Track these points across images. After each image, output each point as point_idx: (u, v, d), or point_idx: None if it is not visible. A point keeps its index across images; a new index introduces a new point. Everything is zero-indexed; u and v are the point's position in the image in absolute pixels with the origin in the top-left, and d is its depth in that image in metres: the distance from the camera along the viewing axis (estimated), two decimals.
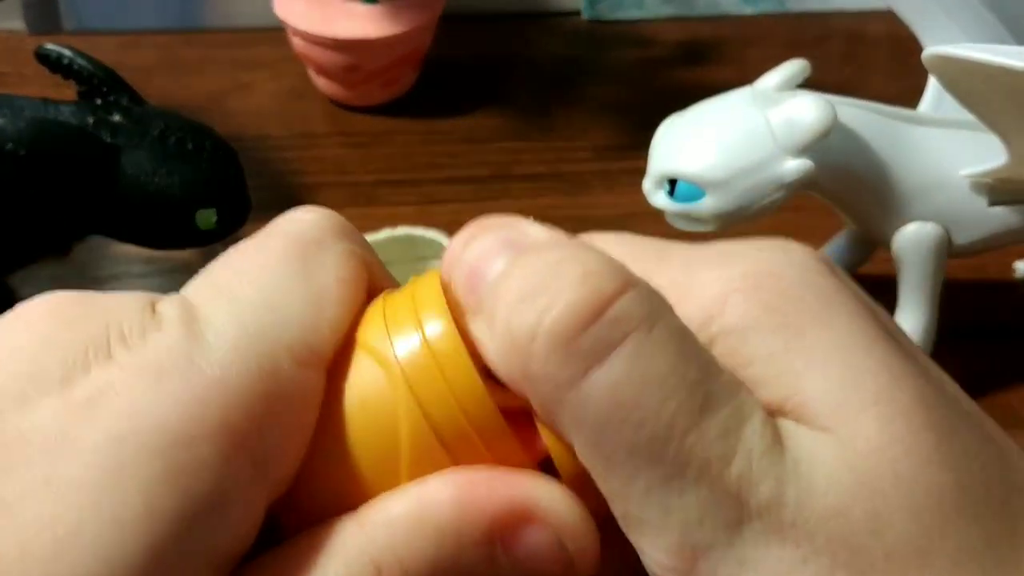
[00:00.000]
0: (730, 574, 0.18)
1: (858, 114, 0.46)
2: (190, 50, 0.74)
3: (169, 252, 0.55)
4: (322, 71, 0.67)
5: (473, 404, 0.19)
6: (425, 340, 0.20)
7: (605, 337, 0.19)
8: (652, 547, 0.19)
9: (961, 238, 0.48)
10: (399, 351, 0.20)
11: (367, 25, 0.65)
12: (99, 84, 0.51)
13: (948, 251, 0.48)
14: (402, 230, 0.51)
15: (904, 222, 0.48)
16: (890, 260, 0.49)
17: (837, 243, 0.55)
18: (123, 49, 0.72)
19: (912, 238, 0.48)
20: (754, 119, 0.45)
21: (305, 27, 0.65)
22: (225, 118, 0.66)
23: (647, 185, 0.47)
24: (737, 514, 0.18)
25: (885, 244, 0.49)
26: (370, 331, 0.21)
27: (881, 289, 0.51)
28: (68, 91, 0.52)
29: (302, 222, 0.23)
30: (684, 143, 0.46)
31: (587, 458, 0.19)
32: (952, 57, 0.39)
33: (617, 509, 0.19)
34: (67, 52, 0.51)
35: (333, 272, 0.22)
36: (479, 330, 0.20)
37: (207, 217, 0.50)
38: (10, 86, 0.67)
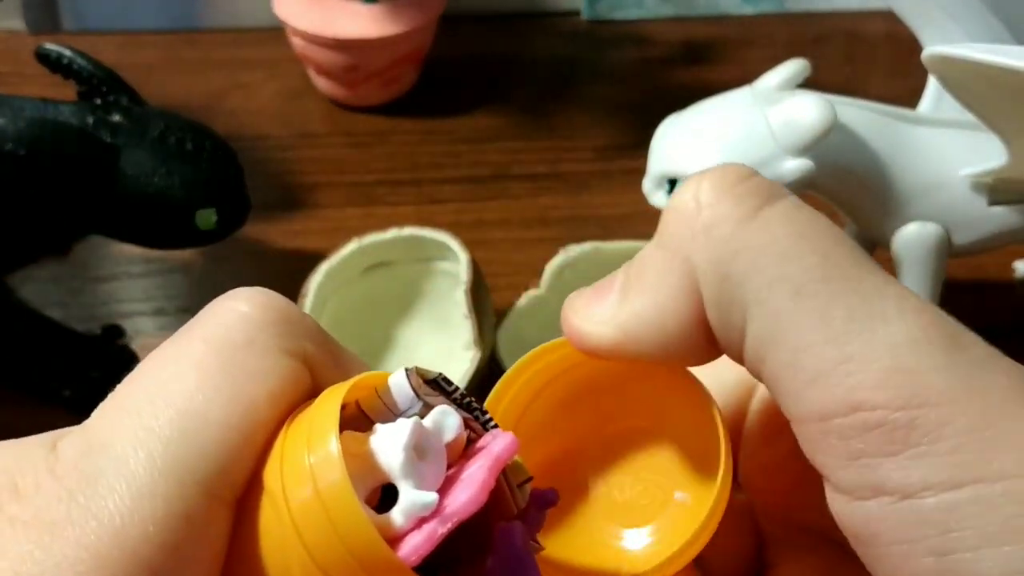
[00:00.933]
0: (963, 387, 0.18)
1: (858, 114, 0.46)
2: (190, 50, 0.74)
3: (169, 252, 0.55)
4: (322, 71, 0.67)
5: (361, 544, 0.18)
6: (313, 480, 0.19)
7: (764, 187, 0.20)
8: (857, 386, 0.18)
9: (961, 238, 0.48)
10: (288, 492, 0.19)
11: (367, 25, 0.65)
12: (99, 84, 0.51)
13: (948, 251, 0.48)
14: (408, 231, 0.51)
15: (904, 222, 0.48)
16: (890, 260, 0.49)
17: None
18: (123, 49, 0.72)
19: (912, 238, 0.48)
20: (754, 119, 0.45)
21: (305, 27, 0.65)
22: (225, 118, 0.66)
23: (647, 185, 0.47)
24: (951, 339, 0.18)
25: (885, 244, 0.49)
26: (269, 465, 0.20)
27: None
28: (68, 91, 0.52)
29: (231, 316, 0.20)
30: (684, 143, 0.46)
31: (772, 301, 0.19)
32: (952, 57, 0.39)
33: (809, 359, 0.18)
34: (67, 52, 0.51)
35: (262, 386, 0.20)
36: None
37: (207, 217, 0.50)
38: (10, 86, 0.67)
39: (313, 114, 0.69)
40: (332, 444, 0.19)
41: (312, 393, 0.21)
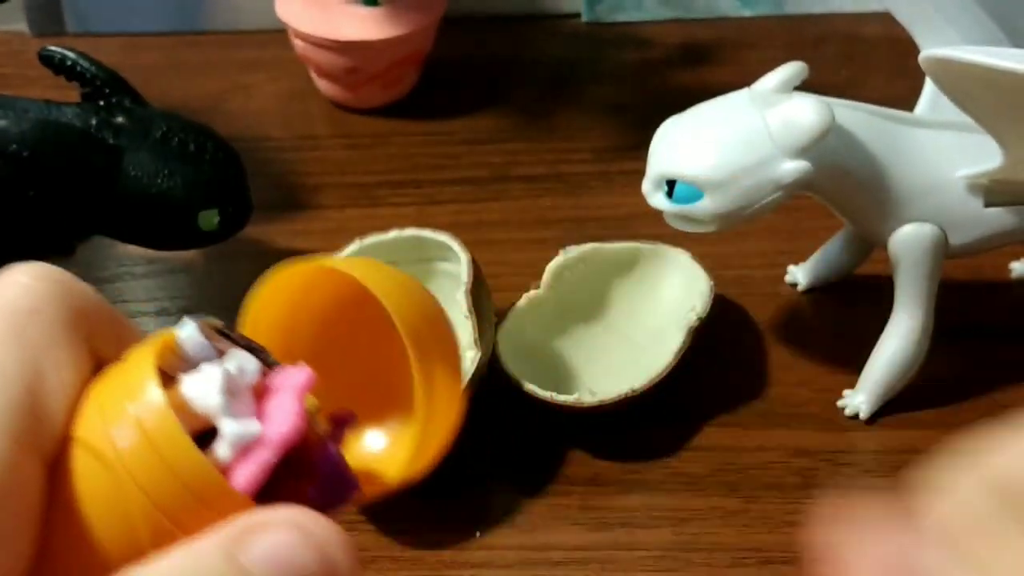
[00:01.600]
0: None
1: (855, 116, 0.47)
2: (192, 52, 0.74)
3: (172, 252, 0.56)
4: (323, 73, 0.68)
5: (197, 478, 0.20)
6: (140, 425, 0.20)
7: None
8: None
9: (958, 239, 0.48)
10: (116, 442, 0.20)
11: (368, 27, 0.65)
12: (102, 86, 0.51)
13: (945, 252, 0.48)
14: (410, 231, 0.51)
15: (901, 223, 0.48)
16: (888, 260, 0.50)
17: (835, 243, 0.56)
18: (126, 51, 0.73)
19: (909, 239, 0.48)
20: (752, 120, 0.45)
21: (306, 29, 0.65)
22: (227, 119, 0.67)
23: (646, 186, 0.47)
24: None
25: (882, 244, 0.49)
26: (88, 423, 0.20)
27: (880, 289, 0.52)
28: (71, 93, 0.52)
29: (14, 288, 0.21)
30: (682, 144, 0.46)
31: None
32: (948, 59, 0.39)
33: None
34: (70, 54, 0.52)
35: (52, 351, 0.21)
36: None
37: (209, 218, 0.50)
38: (13, 88, 0.67)
39: (314, 116, 0.69)
40: (153, 389, 0.20)
41: (95, 359, 0.22)
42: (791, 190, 0.45)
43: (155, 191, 0.49)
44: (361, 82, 0.67)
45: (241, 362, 0.21)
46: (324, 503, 0.21)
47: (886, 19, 0.50)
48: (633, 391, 0.48)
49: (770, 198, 0.45)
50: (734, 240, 0.58)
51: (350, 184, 0.64)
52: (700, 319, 0.50)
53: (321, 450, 0.22)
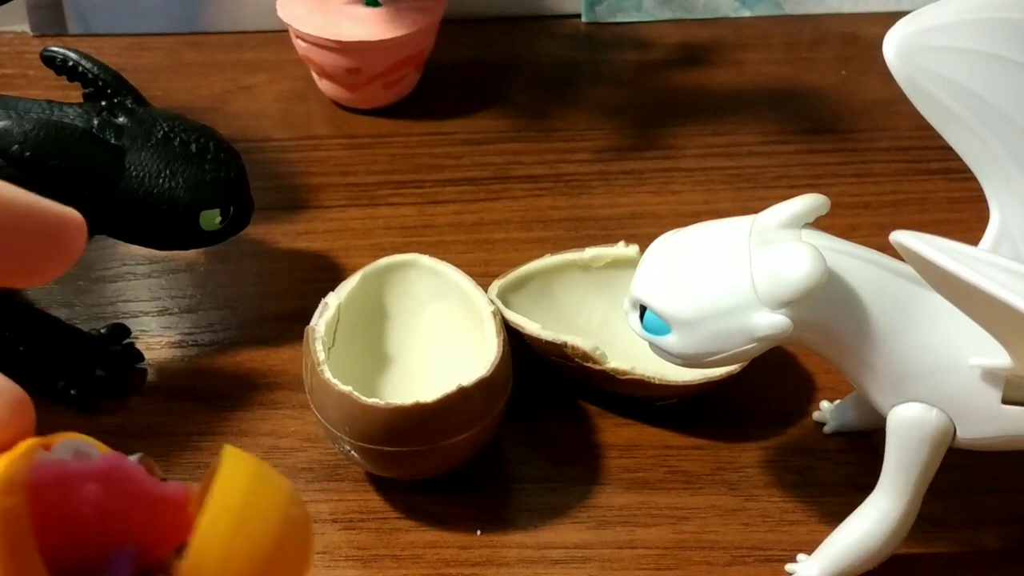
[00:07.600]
0: None
1: (861, 270, 0.40)
2: (194, 53, 0.74)
3: (174, 252, 0.56)
4: (324, 73, 0.68)
5: None
6: None
7: None
8: None
9: (968, 432, 0.40)
10: None
11: (369, 28, 0.65)
12: (104, 86, 0.51)
13: (950, 442, 0.41)
14: (411, 257, 0.51)
15: (903, 399, 0.41)
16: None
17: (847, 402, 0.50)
18: (128, 51, 0.73)
19: (909, 420, 0.40)
20: (738, 261, 0.39)
21: (308, 30, 0.65)
22: (229, 120, 0.67)
23: (625, 303, 0.42)
24: None
25: (882, 413, 0.42)
26: None
27: None
28: (73, 93, 0.52)
29: None
30: (662, 271, 0.41)
31: None
32: (916, 253, 0.33)
33: None
34: (72, 54, 0.52)
35: None
36: None
37: (211, 218, 0.50)
38: (15, 88, 0.67)
39: (316, 116, 0.69)
40: None
41: None
42: (769, 343, 0.40)
43: (157, 191, 0.49)
44: (362, 82, 0.67)
45: None
46: None
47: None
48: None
49: (743, 348, 0.40)
50: None
51: (351, 184, 0.64)
52: None
53: None
